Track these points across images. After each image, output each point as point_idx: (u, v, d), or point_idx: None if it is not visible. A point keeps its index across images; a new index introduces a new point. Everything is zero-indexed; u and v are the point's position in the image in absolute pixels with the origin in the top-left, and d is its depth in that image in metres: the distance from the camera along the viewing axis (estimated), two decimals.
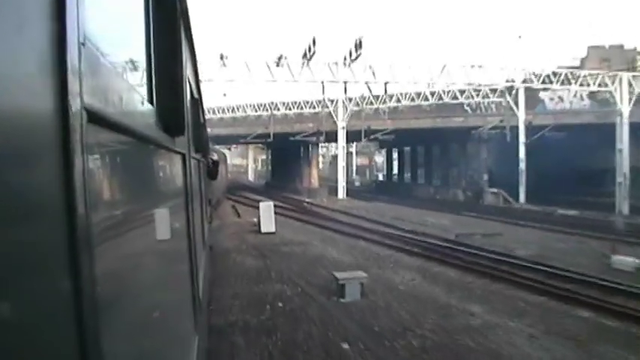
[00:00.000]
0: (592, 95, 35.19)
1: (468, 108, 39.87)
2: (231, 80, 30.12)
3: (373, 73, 31.34)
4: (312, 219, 24.85)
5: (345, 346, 7.56)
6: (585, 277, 12.30)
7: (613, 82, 30.23)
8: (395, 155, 53.68)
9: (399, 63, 32.24)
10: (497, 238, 19.52)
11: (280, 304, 9.70)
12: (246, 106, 43.60)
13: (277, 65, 30.28)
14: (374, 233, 20.15)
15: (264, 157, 75.76)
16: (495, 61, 34.49)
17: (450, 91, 35.68)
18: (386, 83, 31.55)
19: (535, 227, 23.53)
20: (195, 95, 4.09)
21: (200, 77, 6.76)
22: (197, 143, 4.01)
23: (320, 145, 43.65)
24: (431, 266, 14.35)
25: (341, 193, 36.31)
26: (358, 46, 29.37)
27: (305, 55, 30.93)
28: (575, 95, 35.82)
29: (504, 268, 13.73)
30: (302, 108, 41.62)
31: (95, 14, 0.89)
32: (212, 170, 7.84)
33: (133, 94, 1.22)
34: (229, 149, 61.45)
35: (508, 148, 34.32)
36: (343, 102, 34.58)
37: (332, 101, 35.43)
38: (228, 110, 43.81)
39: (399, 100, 37.56)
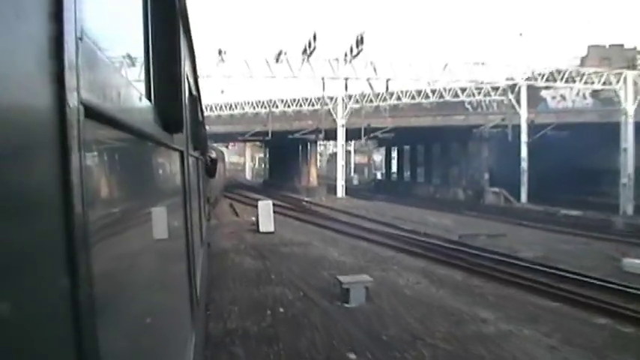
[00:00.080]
0: (595, 94, 34.71)
1: (469, 106, 39.37)
2: (230, 76, 29.53)
3: (375, 70, 30.74)
4: (311, 218, 24.35)
5: (352, 356, 7.07)
6: (598, 280, 11.83)
7: (618, 81, 29.80)
8: (394, 154, 53.19)
9: (401, 60, 31.72)
10: (502, 239, 19.07)
11: (281, 310, 9.20)
12: (245, 103, 43.03)
13: (277, 61, 29.64)
14: (375, 233, 19.67)
15: (261, 155, 75.19)
16: (497, 58, 33.87)
17: (451, 88, 35.16)
18: (388, 80, 30.96)
19: (538, 228, 23.10)
20: (194, 92, 4.06)
21: (198, 73, 6.42)
22: (195, 141, 3.99)
23: (318, 143, 43.14)
24: (435, 268, 13.87)
25: (340, 192, 35.80)
26: (360, 41, 28.75)
27: (305, 50, 30.27)
28: (577, 94, 35.31)
29: (512, 270, 13.26)
30: (301, 105, 41.05)
31: (93, 9, 0.89)
32: (210, 168, 7.76)
33: (131, 90, 1.19)
34: (227, 147, 60.93)
35: (509, 147, 33.88)
36: (343, 99, 34.04)
37: (331, 99, 34.89)
38: (225, 107, 43.15)
39: (399, 98, 37.00)
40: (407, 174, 50.15)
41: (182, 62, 2.12)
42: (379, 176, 62.14)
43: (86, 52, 0.73)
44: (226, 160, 45.33)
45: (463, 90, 35.34)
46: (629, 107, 29.07)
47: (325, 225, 21.96)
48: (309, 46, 29.87)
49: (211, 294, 9.59)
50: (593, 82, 31.23)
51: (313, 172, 40.78)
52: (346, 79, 31.42)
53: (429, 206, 31.25)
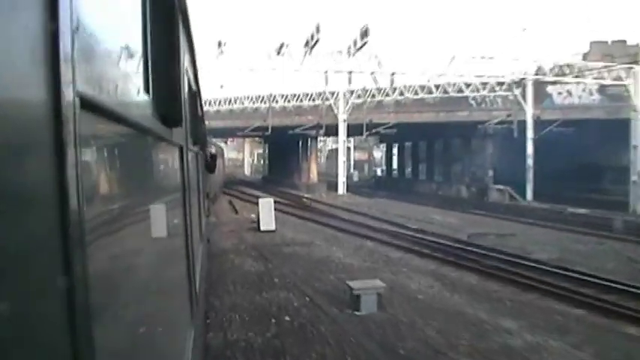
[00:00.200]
0: (602, 90, 33.87)
1: (473, 102, 38.52)
2: (229, 69, 28.63)
3: (379, 63, 29.83)
4: (313, 216, 23.61)
5: None
6: (622, 285, 11.13)
7: (627, 76, 29.02)
8: (395, 150, 52.41)
9: (407, 53, 30.85)
10: (512, 239, 18.36)
11: (287, 318, 8.46)
12: (244, 98, 42.04)
13: (278, 54, 28.71)
14: (380, 232, 18.95)
15: (260, 150, 74.42)
16: (502, 53, 32.90)
17: (455, 84, 34.30)
18: (392, 74, 30.05)
19: (547, 227, 22.38)
20: (193, 86, 3.98)
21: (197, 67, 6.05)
22: (195, 136, 3.95)
23: (318, 139, 42.38)
24: (447, 271, 13.15)
25: (341, 189, 35.02)
26: (364, 34, 27.84)
27: (307, 43, 29.34)
28: (584, 90, 34.45)
29: (528, 273, 12.53)
30: (301, 100, 40.04)
31: (89, 0, 0.86)
32: (210, 164, 7.69)
33: (129, 83, 1.19)
34: (225, 143, 60.07)
35: (513, 144, 33.16)
36: (344, 94, 33.20)
37: (332, 94, 34.06)
38: (224, 102, 42.19)
39: (402, 94, 36.11)
40: (408, 170, 49.44)
41: (181, 55, 2.08)
42: (379, 173, 61.42)
43: (82, 44, 0.72)
44: (225, 156, 44.58)
45: (468, 85, 34.47)
46: None
47: (327, 223, 21.23)
48: (312, 39, 28.90)
49: (210, 299, 8.87)
50: (603, 78, 30.41)
51: (314, 168, 40.00)
52: (350, 72, 30.48)
53: (432, 204, 30.51)
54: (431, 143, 42.97)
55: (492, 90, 34.75)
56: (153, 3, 1.54)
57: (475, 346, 7.40)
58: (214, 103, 40.98)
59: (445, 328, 8.15)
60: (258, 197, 25.68)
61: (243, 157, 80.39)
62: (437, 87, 34.73)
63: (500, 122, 33.72)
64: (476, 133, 35.45)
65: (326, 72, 30.40)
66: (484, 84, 33.95)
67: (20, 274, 0.52)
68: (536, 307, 9.98)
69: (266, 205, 18.98)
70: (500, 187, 33.63)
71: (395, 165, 52.77)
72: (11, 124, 0.51)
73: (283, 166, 44.25)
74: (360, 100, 34.92)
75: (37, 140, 0.58)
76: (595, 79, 30.54)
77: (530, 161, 32.24)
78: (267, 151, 59.29)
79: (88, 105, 0.72)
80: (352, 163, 68.34)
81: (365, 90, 35.44)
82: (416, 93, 35.15)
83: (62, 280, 0.60)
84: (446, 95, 34.79)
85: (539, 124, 32.47)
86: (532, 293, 10.99)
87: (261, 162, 72.01)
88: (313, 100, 38.54)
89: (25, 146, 0.55)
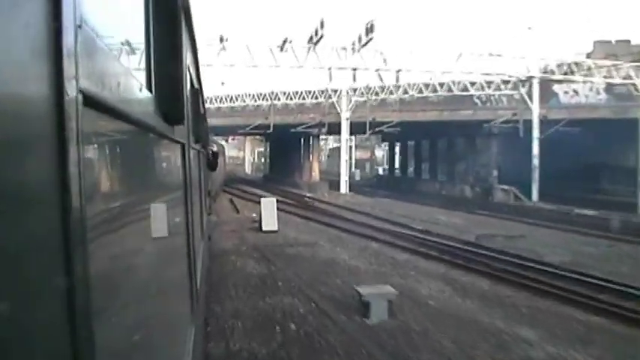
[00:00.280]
0: (609, 89, 33.37)
1: (477, 100, 38.00)
2: (232, 65, 28.01)
3: (384, 60, 29.25)
4: (315, 216, 23.11)
5: None
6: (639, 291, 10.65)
7: (638, 75, 28.50)
8: (397, 149, 51.89)
9: (412, 50, 30.17)
10: (521, 241, 17.90)
11: (293, 326, 7.98)
12: (246, 95, 41.53)
13: (281, 50, 28.08)
14: (385, 233, 18.46)
15: (261, 149, 73.92)
16: (508, 51, 32.36)
17: (460, 82, 33.76)
18: (398, 71, 29.46)
19: (556, 228, 21.90)
20: (196, 84, 3.94)
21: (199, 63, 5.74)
22: (197, 133, 3.94)
23: (320, 137, 41.87)
24: (457, 274, 12.66)
25: (344, 188, 34.50)
26: (369, 30, 27.26)
27: (311, 39, 28.76)
28: (591, 89, 33.96)
29: (541, 278, 12.05)
30: (304, 98, 39.53)
31: None
32: (212, 162, 7.35)
33: (131, 80, 1.16)
34: (226, 141, 59.58)
35: (518, 144, 32.66)
36: (347, 92, 32.66)
37: (335, 92, 33.53)
38: (226, 100, 41.69)
39: (406, 92, 35.58)
40: (410, 170, 48.94)
41: (183, 52, 2.08)
42: (380, 172, 60.96)
43: (85, 40, 0.71)
44: (226, 154, 44.11)
45: (472, 84, 33.97)
46: None
47: (331, 223, 20.74)
48: (316, 34, 28.27)
49: (210, 305, 8.40)
50: (612, 77, 29.88)
51: (315, 167, 39.45)
52: (354, 69, 29.87)
53: (436, 203, 30.02)
54: (434, 142, 42.49)
55: (498, 88, 34.25)
56: (156, 1, 1.53)
57: (495, 358, 6.93)
58: (216, 100, 40.50)
59: (461, 338, 7.68)
60: (259, 196, 25.22)
61: (244, 155, 79.90)
62: (441, 85, 34.23)
63: (506, 121, 33.22)
64: (480, 132, 34.95)
65: (330, 69, 29.81)
66: (489, 82, 33.43)
67: (23, 270, 0.52)
68: (553, 314, 9.50)
69: (268, 205, 18.50)
70: (505, 187, 33.13)
71: (397, 164, 52.27)
72: (14, 121, 0.51)
73: (285, 164, 43.76)
74: (363, 98, 34.40)
75: (39, 136, 0.58)
76: (605, 77, 29.98)
77: (536, 161, 31.73)
78: (268, 150, 58.81)
79: (90, 102, 0.72)
80: (353, 161, 67.92)
81: (368, 88, 34.90)
82: (420, 91, 34.66)
83: (64, 277, 0.60)
84: (450, 94, 34.28)
85: (545, 123, 31.99)
86: (547, 299, 10.51)
87: (262, 160, 71.50)
88: (316, 97, 38.04)
89: (27, 142, 0.55)
